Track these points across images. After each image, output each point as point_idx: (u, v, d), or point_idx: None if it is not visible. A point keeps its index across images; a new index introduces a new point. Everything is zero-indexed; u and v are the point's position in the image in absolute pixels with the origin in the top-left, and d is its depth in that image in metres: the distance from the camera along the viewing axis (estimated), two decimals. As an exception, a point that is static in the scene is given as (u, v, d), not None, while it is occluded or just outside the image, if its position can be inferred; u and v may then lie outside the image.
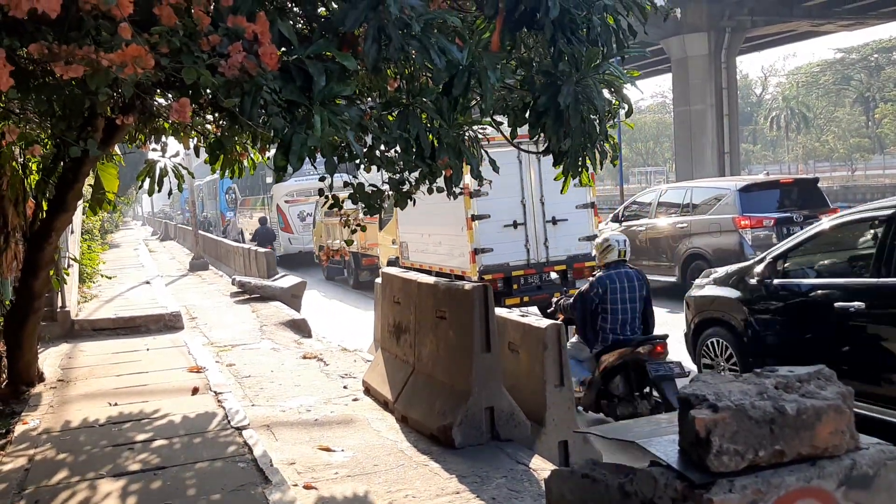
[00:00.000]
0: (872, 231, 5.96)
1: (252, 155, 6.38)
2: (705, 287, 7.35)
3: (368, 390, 7.00)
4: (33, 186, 7.21)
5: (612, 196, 46.21)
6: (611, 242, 6.42)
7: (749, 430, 1.58)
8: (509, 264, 11.16)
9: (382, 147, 4.46)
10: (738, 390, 1.66)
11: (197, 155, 6.42)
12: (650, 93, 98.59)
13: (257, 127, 3.33)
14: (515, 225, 11.16)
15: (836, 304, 5.63)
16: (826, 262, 6.73)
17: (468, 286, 5.65)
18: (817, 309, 5.90)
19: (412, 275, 7.03)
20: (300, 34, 4.04)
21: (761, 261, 6.62)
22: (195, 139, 6.42)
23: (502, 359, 5.69)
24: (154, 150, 6.57)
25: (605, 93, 4.80)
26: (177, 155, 6.28)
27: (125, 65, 2.70)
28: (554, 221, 11.36)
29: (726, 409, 1.58)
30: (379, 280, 7.83)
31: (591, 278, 6.47)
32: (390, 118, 4.11)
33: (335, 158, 3.80)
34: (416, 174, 4.87)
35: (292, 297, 13.39)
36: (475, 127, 5.29)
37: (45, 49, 2.83)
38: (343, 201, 5.55)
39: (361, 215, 7.72)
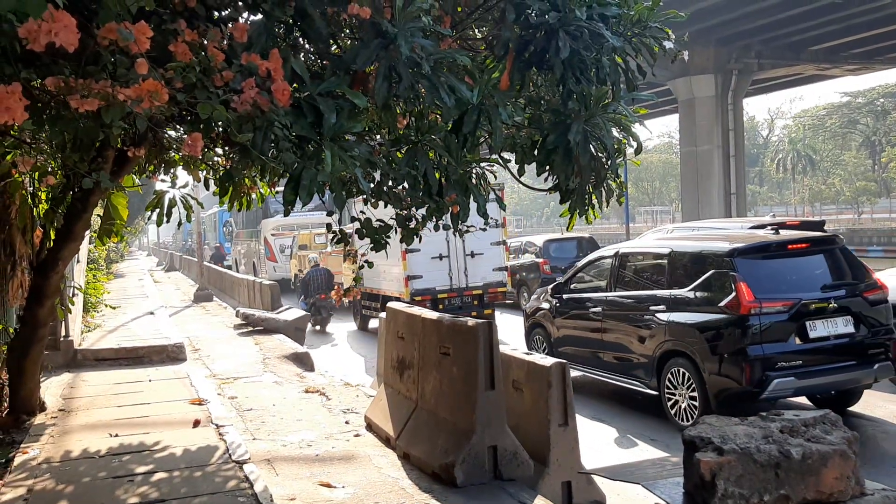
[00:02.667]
0: (610, 262, 9.37)
1: (261, 188, 6.43)
2: (532, 301, 10.92)
3: (370, 426, 6.94)
4: (41, 215, 7.26)
5: (617, 235, 46.22)
6: None
7: (754, 474, 1.57)
8: (436, 288, 14.02)
9: (390, 183, 4.49)
10: (744, 433, 1.65)
11: (206, 187, 6.47)
12: (657, 132, 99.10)
13: (269, 161, 3.37)
14: (441, 257, 14.01)
15: (591, 309, 9.22)
16: (590, 282, 9.80)
17: (472, 322, 5.63)
18: (582, 312, 9.41)
19: (417, 310, 7.00)
20: (312, 71, 4.10)
21: (560, 282, 10.25)
22: (205, 171, 6.47)
23: (506, 397, 5.65)
24: (163, 181, 6.62)
25: (615, 132, 4.84)
26: (185, 186, 6.33)
27: (141, 99, 2.74)
28: (472, 255, 14.27)
29: (732, 451, 1.57)
30: (383, 314, 7.81)
31: None
32: (399, 155, 4.15)
33: (344, 193, 3.83)
34: (423, 210, 4.89)
35: (296, 330, 13.37)
36: (483, 164, 5.33)
37: (62, 82, 2.88)
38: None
39: (329, 248, 10.87)
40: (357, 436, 6.77)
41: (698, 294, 7.68)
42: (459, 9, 4.62)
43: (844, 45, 28.22)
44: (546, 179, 4.96)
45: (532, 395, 5.74)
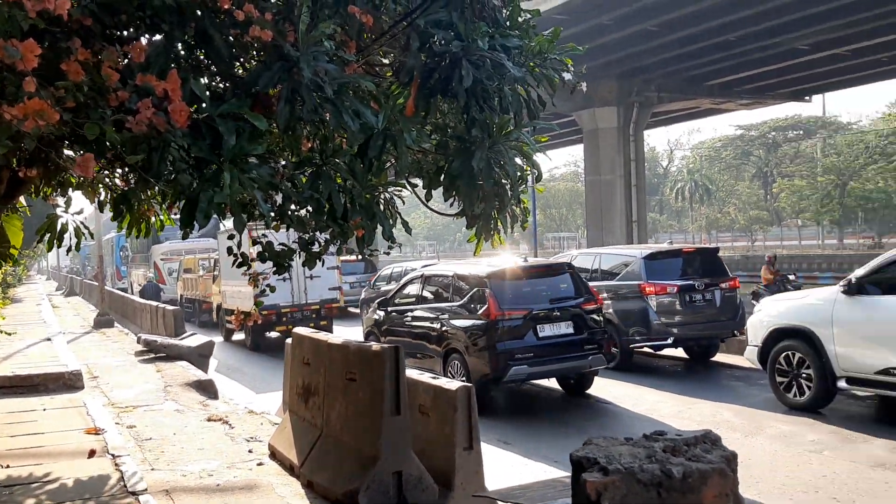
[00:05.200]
0: (420, 282, 11.71)
1: (161, 213, 6.24)
2: (369, 313, 13.05)
3: (274, 454, 6.79)
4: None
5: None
6: None
7: (638, 494, 1.61)
8: (280, 304, 16.93)
9: (294, 206, 4.45)
10: (629, 453, 1.70)
11: (101, 210, 6.23)
12: (564, 161, 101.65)
13: (164, 183, 3.29)
14: (285, 279, 15.64)
15: (405, 319, 11.50)
16: (407, 297, 11.96)
17: (377, 347, 5.61)
18: (401, 320, 11.62)
19: (323, 335, 6.93)
20: (214, 93, 4.03)
21: (387, 295, 12.73)
22: (103, 193, 6.24)
23: (412, 422, 5.63)
24: (57, 205, 6.34)
25: (517, 160, 4.94)
26: (80, 212, 6.08)
27: (27, 118, 2.64)
28: (311, 277, 17.28)
29: (616, 472, 1.62)
30: (289, 340, 7.69)
31: None
32: (303, 178, 4.12)
33: (244, 216, 3.77)
34: (326, 234, 4.87)
35: (199, 357, 12.98)
36: (391, 189, 5.35)
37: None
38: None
39: (201, 272, 18.28)
40: (260, 464, 6.61)
41: (467, 306, 10.25)
42: (365, 35, 4.65)
43: (738, 81, 29.75)
44: (451, 204, 5.01)
45: (438, 419, 5.74)
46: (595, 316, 10.32)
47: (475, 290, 10.16)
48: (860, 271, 8.56)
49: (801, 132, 71.87)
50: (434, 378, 6.25)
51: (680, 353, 13.13)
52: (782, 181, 66.01)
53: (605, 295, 12.68)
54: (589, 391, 10.75)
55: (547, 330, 9.87)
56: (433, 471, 5.49)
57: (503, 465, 7.41)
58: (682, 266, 12.63)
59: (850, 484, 6.46)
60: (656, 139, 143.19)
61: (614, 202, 30.40)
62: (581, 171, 66.02)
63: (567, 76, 4.65)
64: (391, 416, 5.33)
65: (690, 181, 74.69)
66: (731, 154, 77.16)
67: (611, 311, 12.41)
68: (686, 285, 12.09)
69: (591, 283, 13.04)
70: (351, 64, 4.17)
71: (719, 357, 12.90)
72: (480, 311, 9.87)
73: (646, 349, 12.56)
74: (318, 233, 4.90)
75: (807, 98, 34.39)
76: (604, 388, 11.01)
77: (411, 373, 6.24)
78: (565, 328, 9.97)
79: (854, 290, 8.39)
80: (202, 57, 4.19)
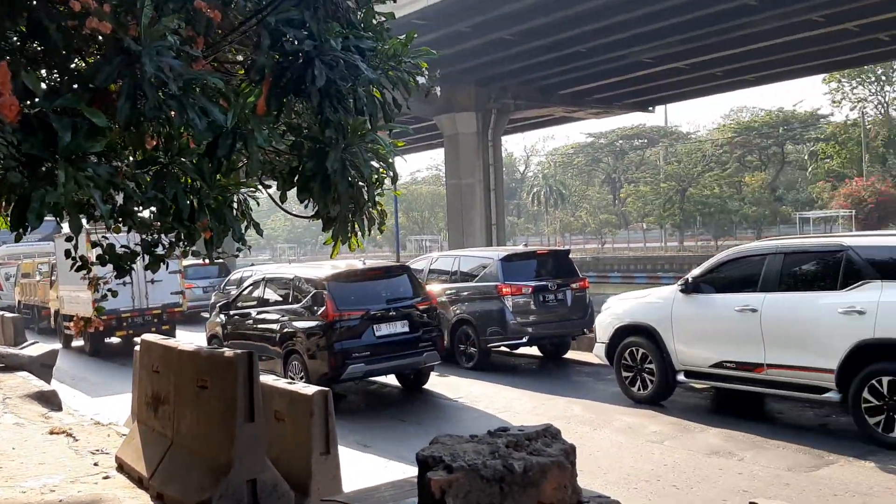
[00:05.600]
0: (262, 285, 11.95)
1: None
2: (212, 316, 13.38)
3: (122, 466, 6.46)
4: None
5: (390, 262, 46.97)
6: None
7: (481, 490, 1.65)
8: (120, 309, 16.38)
9: (137, 207, 4.24)
10: (473, 450, 1.73)
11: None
12: (426, 165, 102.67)
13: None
14: (125, 283, 15.67)
15: (247, 321, 11.75)
16: (249, 299, 12.17)
17: (230, 353, 5.45)
18: (243, 322, 11.87)
19: (173, 342, 6.67)
20: (52, 87, 3.78)
21: (230, 299, 12.96)
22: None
23: (268, 428, 5.51)
24: None
25: (374, 162, 4.93)
26: None
27: None
28: (153, 281, 16.77)
29: (460, 469, 1.64)
30: (137, 348, 7.33)
31: None
32: (147, 178, 3.93)
33: (82, 217, 3.56)
34: (171, 237, 4.67)
35: (42, 367, 12.11)
36: (243, 190, 5.20)
37: None
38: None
39: (38, 277, 19.25)
40: (107, 478, 6.28)
41: (306, 307, 10.55)
42: (219, 31, 4.50)
43: (588, 91, 31.07)
44: (306, 206, 4.94)
45: (294, 424, 5.65)
46: (429, 315, 10.89)
47: (314, 292, 10.50)
48: (696, 271, 9.18)
49: (646, 141, 76.13)
50: (290, 383, 6.16)
51: (535, 351, 13.57)
52: (629, 187, 69.66)
53: (464, 295, 12.94)
54: (447, 390, 10.93)
55: (384, 329, 10.35)
56: (290, 477, 5.40)
57: (363, 468, 7.39)
58: (537, 267, 13.11)
59: (689, 471, 6.89)
60: (514, 145, 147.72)
61: (474, 205, 30.98)
62: (442, 174, 67.03)
63: (421, 80, 4.69)
64: (245, 423, 5.20)
65: (546, 186, 77.42)
66: (582, 160, 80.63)
67: (469, 312, 12.67)
68: (540, 286, 12.55)
69: (450, 285, 13.36)
70: (199, 60, 4.02)
71: (570, 354, 13.45)
72: (319, 313, 10.23)
73: (503, 348, 12.90)
74: (162, 235, 4.70)
75: (650, 109, 36.39)
76: (463, 387, 11.21)
77: (266, 378, 6.11)
78: (401, 327, 10.47)
79: (690, 289, 8.98)
80: (39, 49, 3.93)
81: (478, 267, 13.21)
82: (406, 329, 10.49)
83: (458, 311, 12.96)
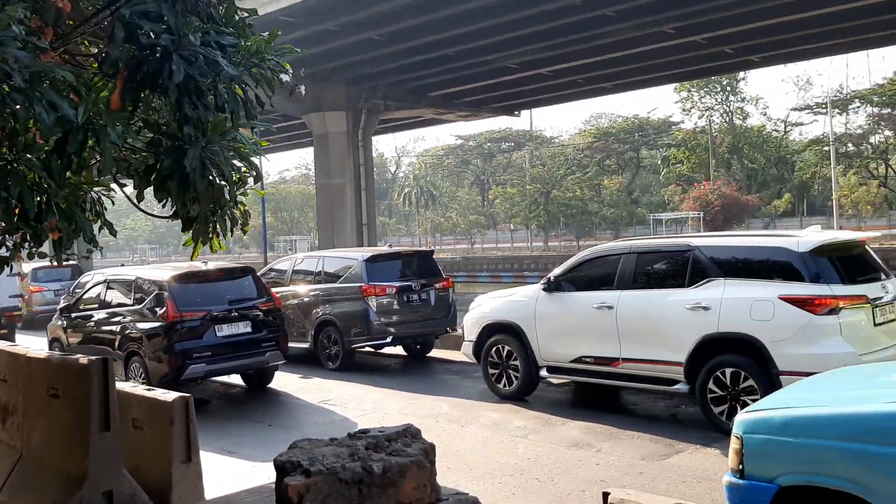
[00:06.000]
0: (103, 287, 11.78)
1: None
2: (53, 320, 12.90)
3: (-40, 486, 5.99)
4: None
5: (257, 262, 45.90)
6: None
7: (340, 493, 1.66)
8: None
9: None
10: (332, 453, 1.74)
11: None
12: (295, 164, 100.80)
13: None
14: None
15: (88, 324, 11.58)
16: (90, 302, 11.95)
17: (84, 360, 5.19)
18: (85, 325, 11.69)
19: (21, 349, 6.27)
20: None
21: (71, 302, 12.48)
22: None
23: (126, 437, 5.28)
24: None
25: (236, 161, 4.81)
26: None
27: None
28: None
29: (319, 473, 1.65)
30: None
31: None
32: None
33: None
34: (16, 237, 4.39)
35: None
36: (97, 189, 4.95)
37: None
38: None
39: None
40: (-59, 499, 5.79)
41: (148, 309, 10.55)
42: (70, 22, 4.27)
43: (457, 94, 31.54)
44: (164, 206, 4.76)
45: (153, 432, 5.44)
46: (272, 315, 11.12)
47: (156, 293, 10.54)
48: (557, 271, 9.54)
49: (513, 144, 78.18)
50: (149, 390, 5.92)
51: (400, 350, 13.70)
52: (496, 188, 71.28)
53: (328, 297, 12.90)
54: (316, 393, 10.83)
55: (225, 329, 10.52)
56: (149, 487, 5.19)
57: (228, 473, 7.21)
58: (401, 268, 13.26)
59: (550, 464, 7.14)
60: (385, 145, 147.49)
61: (345, 205, 30.74)
62: (312, 173, 66.16)
63: (285, 78, 4.62)
64: (99, 432, 4.96)
65: (417, 187, 77.98)
66: (452, 162, 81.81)
67: (333, 313, 12.64)
68: (404, 286, 12.69)
69: (314, 286, 13.27)
70: (47, 52, 3.81)
71: (435, 353, 13.67)
72: (160, 314, 10.31)
73: (367, 349, 12.93)
74: (6, 235, 4.41)
75: (517, 113, 37.34)
76: (333, 389, 11.14)
77: (123, 385, 5.86)
78: (244, 327, 10.67)
79: (552, 287, 9.32)
80: None
81: (342, 268, 13.19)
82: (248, 329, 10.67)
83: (322, 313, 12.90)
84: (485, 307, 10.30)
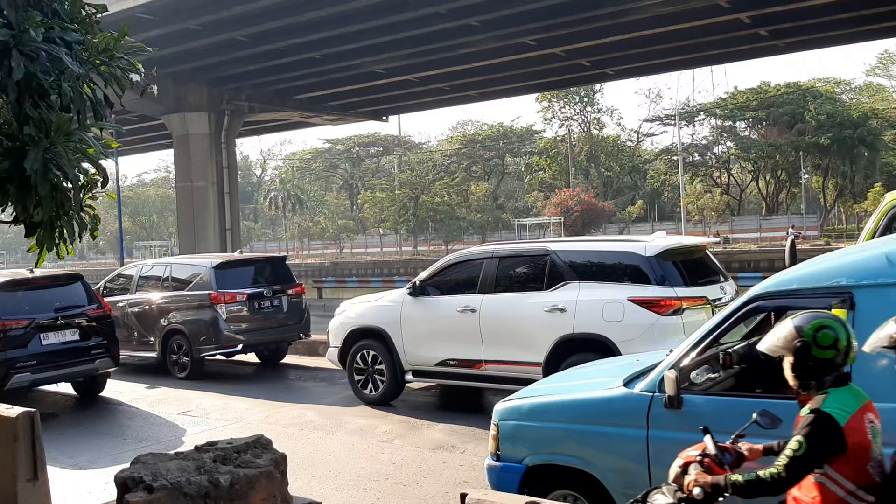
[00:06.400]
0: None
1: None
2: None
3: None
4: None
5: (114, 269, 43.63)
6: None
7: (185, 507, 1.62)
8: None
9: None
10: (178, 467, 1.70)
11: None
12: (154, 166, 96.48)
13: None
14: None
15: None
16: None
17: None
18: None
19: None
20: None
21: None
22: None
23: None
24: None
25: (84, 164, 4.58)
26: None
27: None
28: None
29: (162, 488, 1.61)
30: None
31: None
32: None
33: None
34: None
35: None
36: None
37: None
38: None
39: None
40: None
41: None
42: None
43: (325, 97, 31.30)
44: (3, 210, 4.47)
45: (-7, 451, 5.08)
46: (102, 323, 10.91)
47: None
48: (422, 275, 9.65)
49: (381, 149, 78.27)
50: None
51: (253, 357, 13.57)
52: (366, 193, 71.13)
53: (176, 304, 12.57)
54: (176, 404, 10.46)
55: (52, 338, 10.31)
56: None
57: (81, 490, 6.86)
58: (252, 274, 13.11)
59: (415, 467, 7.21)
60: (250, 148, 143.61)
61: (207, 209, 29.81)
62: (173, 176, 63.63)
63: (135, 77, 4.44)
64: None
65: (283, 190, 76.59)
66: (320, 166, 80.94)
67: (182, 321, 12.34)
68: (255, 293, 12.54)
69: (162, 294, 12.89)
70: None
71: (290, 359, 13.61)
72: None
73: (219, 357, 12.69)
74: None
75: (384, 118, 37.49)
76: (193, 400, 10.77)
77: (-44, 403, 5.43)
78: (71, 335, 10.48)
79: (417, 292, 9.43)
80: None
81: (191, 275, 12.83)
82: (76, 337, 10.50)
83: (170, 321, 12.53)
84: (350, 313, 10.27)
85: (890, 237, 4.23)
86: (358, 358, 9.83)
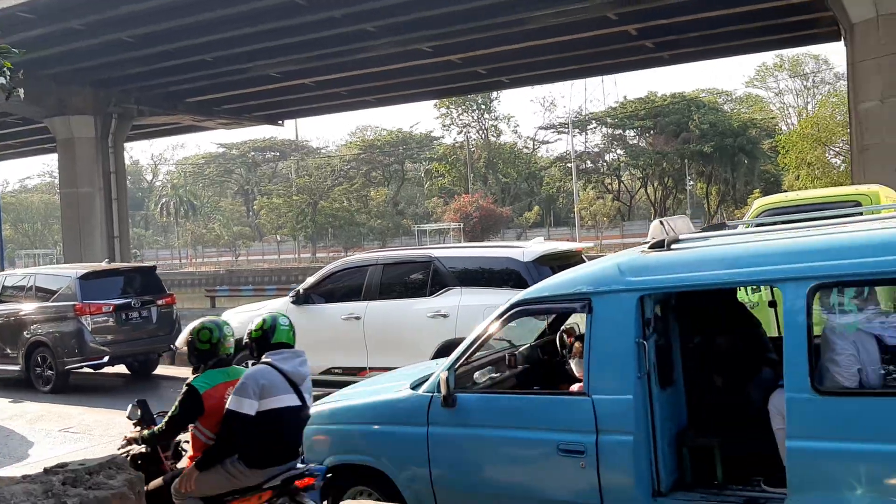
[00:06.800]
0: None
1: None
2: None
3: None
4: None
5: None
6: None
7: (33, 533, 1.64)
8: None
9: None
10: (24, 491, 1.71)
11: None
12: (38, 171, 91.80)
13: None
14: None
15: None
16: None
17: None
18: None
19: None
20: None
21: None
22: None
23: None
24: None
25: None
26: None
27: None
28: None
29: (-9, 514, 1.62)
30: None
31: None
32: None
33: None
34: None
35: None
36: None
37: None
38: None
39: None
40: None
41: None
42: None
43: (217, 101, 30.59)
44: None
45: None
46: None
47: None
48: (306, 283, 9.70)
49: (278, 153, 77.12)
50: None
51: (123, 369, 13.33)
52: (262, 199, 69.93)
53: (40, 316, 12.24)
54: (57, 420, 10.09)
55: None
56: None
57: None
58: (120, 285, 12.85)
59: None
60: (141, 153, 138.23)
61: (94, 216, 28.63)
62: (58, 182, 60.76)
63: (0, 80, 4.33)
64: None
65: (175, 196, 74.38)
66: (214, 171, 78.97)
67: (45, 333, 12.01)
68: (123, 304, 12.31)
69: (26, 304, 12.51)
70: None
71: (163, 371, 13.45)
72: None
73: (86, 369, 12.42)
74: None
75: (280, 122, 36.89)
76: (74, 415, 10.39)
77: None
78: None
79: (301, 300, 9.45)
80: None
81: (56, 285, 12.48)
82: None
83: (33, 333, 12.15)
84: (231, 322, 10.17)
85: (627, 251, 4.73)
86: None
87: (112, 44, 23.19)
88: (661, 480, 4.13)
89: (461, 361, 4.73)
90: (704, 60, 31.22)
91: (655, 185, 57.63)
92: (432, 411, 4.64)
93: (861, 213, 5.12)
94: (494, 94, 57.66)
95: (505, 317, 4.67)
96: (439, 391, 4.57)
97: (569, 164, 57.38)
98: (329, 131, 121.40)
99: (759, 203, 8.14)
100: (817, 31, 22.87)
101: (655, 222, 4.76)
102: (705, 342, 4.93)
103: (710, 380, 4.77)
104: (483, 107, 60.42)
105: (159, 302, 12.76)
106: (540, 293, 4.68)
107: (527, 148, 66.20)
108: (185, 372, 11.77)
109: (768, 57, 59.96)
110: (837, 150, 38.06)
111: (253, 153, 76.37)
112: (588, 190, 58.09)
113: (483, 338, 4.76)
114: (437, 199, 60.16)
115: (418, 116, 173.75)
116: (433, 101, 54.69)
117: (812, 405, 3.63)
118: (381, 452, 4.89)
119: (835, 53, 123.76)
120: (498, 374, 5.19)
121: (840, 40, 19.03)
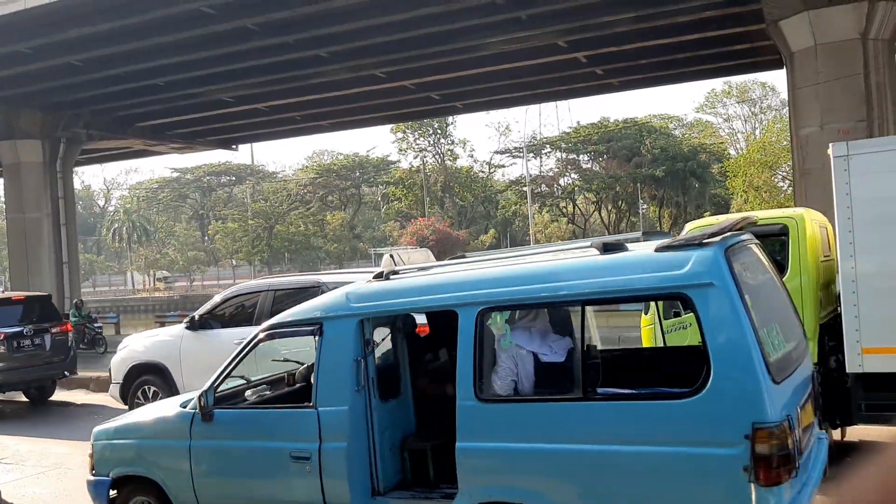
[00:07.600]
0: None
1: None
2: None
3: None
4: None
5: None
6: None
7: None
8: None
9: None
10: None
11: None
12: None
13: None
14: None
15: None
16: None
17: None
18: None
19: None
20: None
21: None
22: None
23: None
24: None
25: None
26: None
27: None
28: None
29: None
30: None
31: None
32: None
33: None
34: None
35: None
36: None
37: None
38: None
39: None
40: None
41: None
42: None
43: (169, 125, 30.34)
44: None
45: None
46: None
47: None
48: (201, 309, 9.87)
49: (233, 178, 76.43)
50: None
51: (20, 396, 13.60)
52: (217, 223, 69.16)
53: None
54: None
55: None
56: None
57: None
58: (14, 314, 12.99)
59: None
60: (92, 177, 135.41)
61: (42, 242, 28.06)
62: (4, 207, 59.19)
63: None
64: None
65: (128, 221, 73.16)
66: (168, 195, 77.95)
67: None
68: (14, 332, 12.48)
69: None
70: None
71: (63, 396, 13.75)
72: None
73: None
74: None
75: (234, 147, 36.66)
76: (10, 446, 10.12)
77: None
78: None
79: (196, 325, 9.57)
80: None
81: None
82: None
83: None
84: (132, 347, 10.30)
85: (388, 282, 5.07)
86: (139, 394, 9.81)
87: (61, 67, 22.92)
88: (380, 481, 4.75)
89: (220, 380, 5.34)
90: (653, 87, 31.99)
91: (609, 208, 58.48)
92: (194, 426, 5.18)
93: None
94: (450, 118, 58.12)
95: (257, 340, 5.31)
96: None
97: (524, 188, 57.93)
98: (285, 156, 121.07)
99: (689, 226, 8.41)
100: (761, 59, 23.59)
101: (386, 255, 5.35)
102: (437, 358, 5.69)
103: (442, 391, 5.23)
104: (439, 131, 60.80)
105: (53, 330, 13.04)
106: (286, 319, 5.32)
107: (483, 172, 66.66)
108: (95, 398, 11.77)
109: (717, 83, 61.53)
110: (784, 174, 39.15)
111: (208, 177, 75.59)
112: (543, 213, 58.69)
113: (237, 360, 5.39)
114: (394, 223, 60.17)
115: (375, 141, 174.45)
116: (389, 126, 54.92)
117: (476, 411, 4.25)
118: (154, 464, 5.41)
119: (780, 80, 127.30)
120: (271, 392, 5.75)
121: (783, 68, 19.66)
